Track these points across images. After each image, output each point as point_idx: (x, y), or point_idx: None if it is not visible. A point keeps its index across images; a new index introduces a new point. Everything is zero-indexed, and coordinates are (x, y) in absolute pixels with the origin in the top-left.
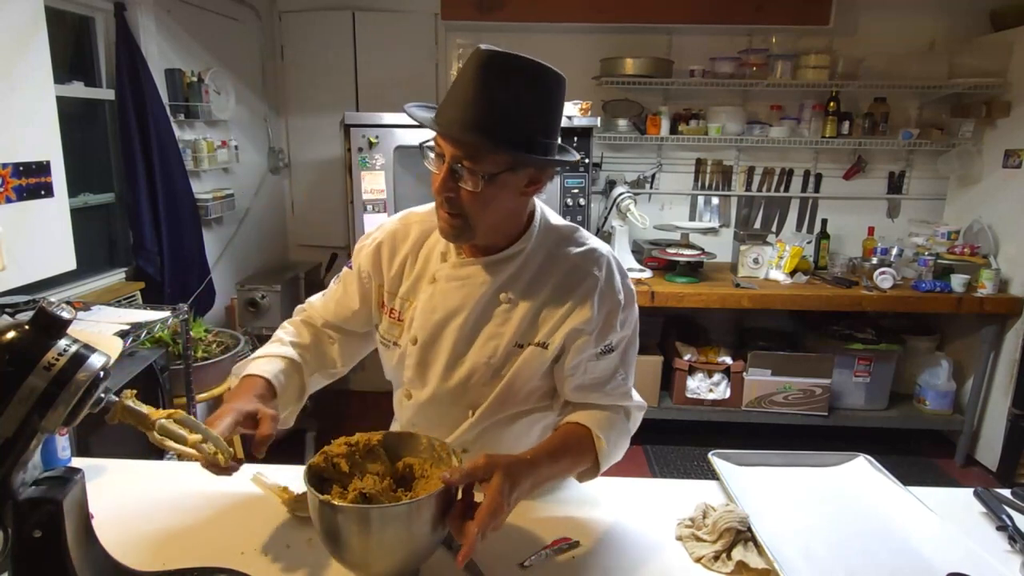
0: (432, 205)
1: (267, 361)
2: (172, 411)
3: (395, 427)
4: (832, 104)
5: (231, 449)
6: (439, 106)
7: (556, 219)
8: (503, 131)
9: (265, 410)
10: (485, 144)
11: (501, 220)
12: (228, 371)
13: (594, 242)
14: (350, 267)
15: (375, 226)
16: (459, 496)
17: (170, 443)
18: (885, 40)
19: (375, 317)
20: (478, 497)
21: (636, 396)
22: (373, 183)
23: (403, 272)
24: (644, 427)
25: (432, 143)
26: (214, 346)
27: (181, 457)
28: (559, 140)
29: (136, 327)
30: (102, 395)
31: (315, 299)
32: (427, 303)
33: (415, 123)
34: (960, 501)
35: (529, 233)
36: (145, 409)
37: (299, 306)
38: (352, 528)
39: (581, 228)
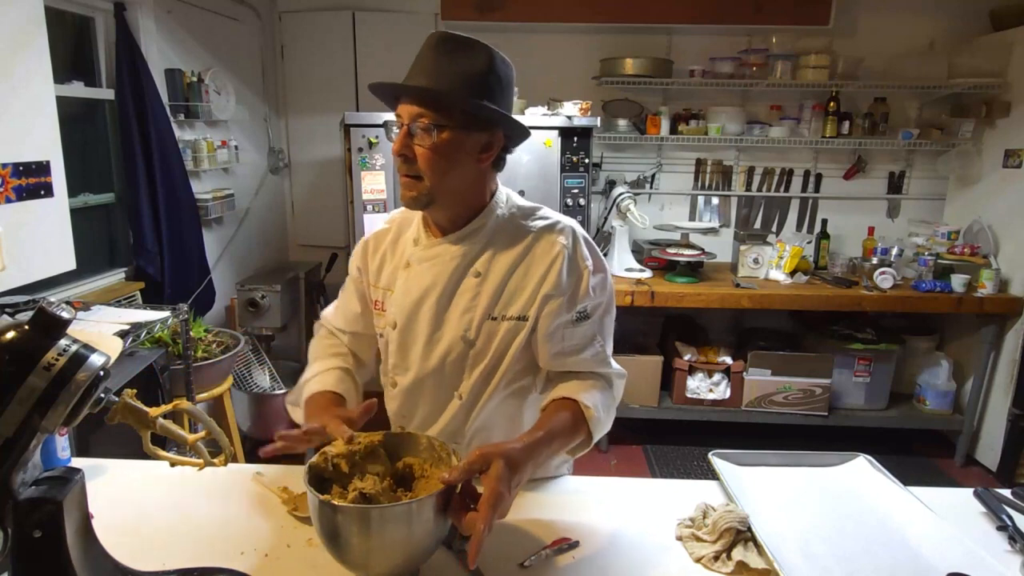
0: None
1: (322, 378)
2: (176, 402)
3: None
4: (832, 104)
5: (231, 448)
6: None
7: (522, 200)
8: (451, 86)
9: (345, 412)
10: (432, 91)
11: (459, 187)
12: (228, 371)
13: (558, 216)
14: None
15: (373, 226)
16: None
17: (162, 452)
18: (885, 40)
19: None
20: (480, 490)
21: (615, 364)
22: (373, 183)
23: (383, 264)
24: (644, 427)
25: (394, 117)
26: (214, 346)
27: (174, 464)
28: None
29: (136, 327)
30: (102, 395)
31: (328, 311)
32: (403, 286)
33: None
34: (960, 501)
35: (491, 206)
36: (145, 408)
37: (317, 322)
38: (352, 528)
39: (546, 207)
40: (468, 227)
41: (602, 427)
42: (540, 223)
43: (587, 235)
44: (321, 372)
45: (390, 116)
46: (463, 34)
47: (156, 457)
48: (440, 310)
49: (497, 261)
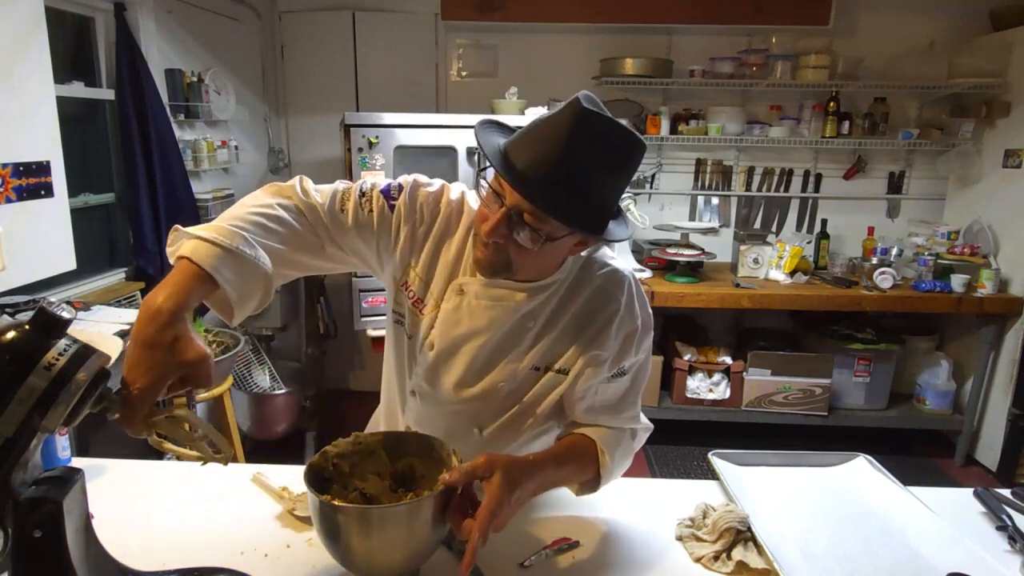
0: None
1: (228, 257)
2: (171, 408)
3: (382, 422)
4: (832, 104)
5: (232, 450)
6: (516, 141)
7: None
8: (580, 204)
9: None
10: (560, 218)
11: (543, 268)
12: (228, 371)
13: (616, 263)
14: (388, 193)
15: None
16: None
17: (168, 445)
18: (885, 40)
19: (379, 274)
20: (480, 497)
21: (644, 419)
22: None
23: (436, 263)
24: None
25: (491, 174)
26: (214, 346)
27: (180, 458)
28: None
29: None
30: (110, 387)
31: (311, 187)
32: (452, 314)
33: (422, 124)
34: (960, 501)
35: (565, 265)
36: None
37: (299, 183)
38: (352, 528)
39: (603, 244)
40: (540, 283)
41: (613, 475)
42: (601, 271)
43: (640, 288)
44: (236, 251)
45: (389, 117)
46: (609, 117)
47: (162, 449)
48: (485, 354)
49: (555, 313)
